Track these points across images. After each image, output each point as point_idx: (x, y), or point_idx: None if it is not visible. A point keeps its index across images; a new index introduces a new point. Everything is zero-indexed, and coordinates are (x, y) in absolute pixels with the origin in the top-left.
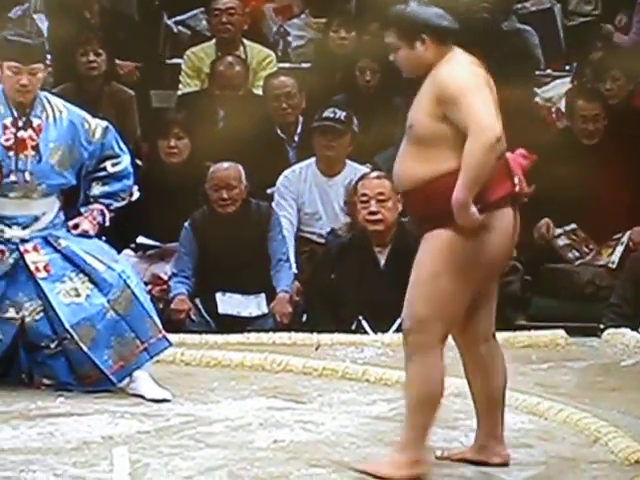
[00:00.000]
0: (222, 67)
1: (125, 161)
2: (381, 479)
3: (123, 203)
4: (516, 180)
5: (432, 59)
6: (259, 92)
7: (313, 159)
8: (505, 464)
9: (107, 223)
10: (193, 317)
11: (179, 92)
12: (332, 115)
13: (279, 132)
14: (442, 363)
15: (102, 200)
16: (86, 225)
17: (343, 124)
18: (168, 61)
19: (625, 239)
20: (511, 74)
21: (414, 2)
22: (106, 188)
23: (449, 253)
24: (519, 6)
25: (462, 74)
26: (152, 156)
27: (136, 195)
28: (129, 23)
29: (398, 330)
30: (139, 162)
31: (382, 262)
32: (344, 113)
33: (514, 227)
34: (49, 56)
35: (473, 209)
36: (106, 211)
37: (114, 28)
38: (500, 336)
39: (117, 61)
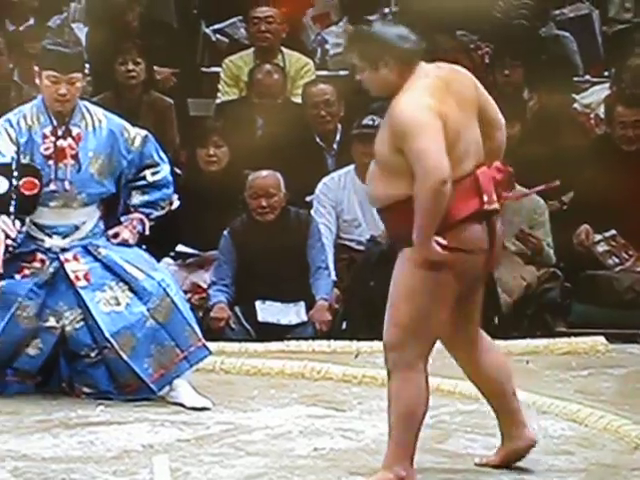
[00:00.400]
0: (260, 75)
1: (165, 170)
2: None
3: (163, 212)
4: (485, 197)
5: (397, 81)
6: (298, 100)
7: (352, 166)
8: (532, 445)
9: (147, 232)
10: (233, 325)
11: (217, 100)
12: (371, 123)
13: (318, 140)
14: (424, 379)
15: (142, 209)
16: (126, 234)
17: None
18: (206, 69)
19: None
20: (549, 81)
21: (379, 22)
22: (146, 197)
23: (421, 272)
24: (557, 12)
25: (410, 110)
26: (191, 164)
27: (176, 204)
28: (168, 31)
29: None
30: (178, 171)
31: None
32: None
33: (488, 241)
34: (88, 65)
35: (433, 246)
36: (146, 220)
37: (153, 36)
38: (540, 343)
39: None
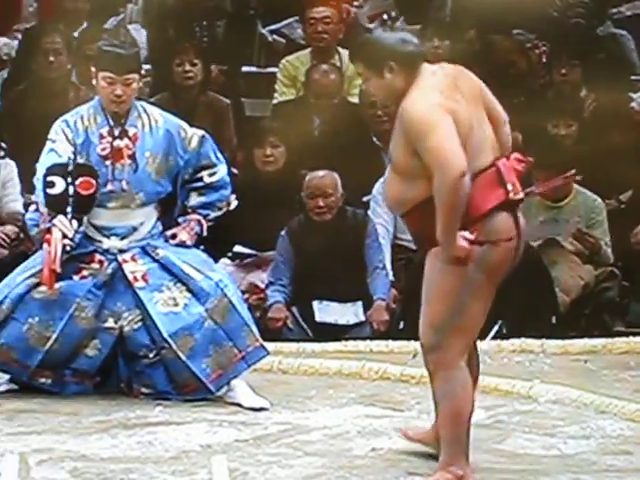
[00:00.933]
0: (317, 75)
1: (222, 171)
2: None
3: (220, 213)
4: (509, 187)
5: (403, 85)
6: (355, 100)
7: None
8: None
9: (204, 233)
10: (290, 325)
11: (274, 101)
12: None
13: (375, 140)
14: (466, 376)
15: (199, 210)
16: (184, 235)
17: None
18: (262, 69)
19: None
20: (607, 79)
21: (380, 28)
22: (203, 199)
23: (450, 269)
24: (614, 11)
25: (419, 109)
26: (248, 165)
27: (234, 205)
28: (224, 31)
29: (495, 337)
30: (235, 171)
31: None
32: None
33: (515, 230)
34: (148, 66)
35: (460, 242)
36: (203, 221)
37: (209, 37)
38: (598, 342)
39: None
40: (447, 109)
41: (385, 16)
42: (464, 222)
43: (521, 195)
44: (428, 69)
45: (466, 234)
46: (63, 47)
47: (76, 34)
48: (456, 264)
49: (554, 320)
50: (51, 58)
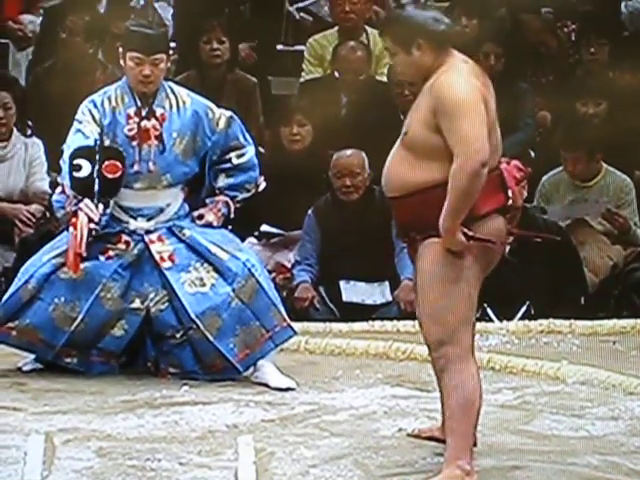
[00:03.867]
0: (344, 51)
1: (250, 152)
2: None
3: (248, 195)
4: (510, 193)
5: (430, 64)
6: (383, 79)
7: None
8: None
9: (232, 215)
10: (317, 305)
11: (301, 80)
12: None
13: (402, 118)
14: (476, 369)
15: (227, 192)
16: (210, 217)
17: None
18: (290, 47)
19: None
20: (635, 58)
21: (410, 5)
22: (231, 180)
23: (459, 261)
24: None
25: (459, 88)
26: (275, 143)
27: (262, 186)
28: (251, 9)
29: (523, 317)
30: (262, 150)
31: (507, 249)
32: None
33: (504, 232)
34: (174, 44)
35: (459, 235)
36: (231, 203)
37: (236, 15)
38: (627, 323)
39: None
40: (483, 97)
41: None
42: (464, 219)
43: (517, 204)
44: (459, 55)
45: (466, 230)
46: (88, 25)
47: (102, 11)
48: (457, 256)
49: (583, 301)
50: (76, 37)
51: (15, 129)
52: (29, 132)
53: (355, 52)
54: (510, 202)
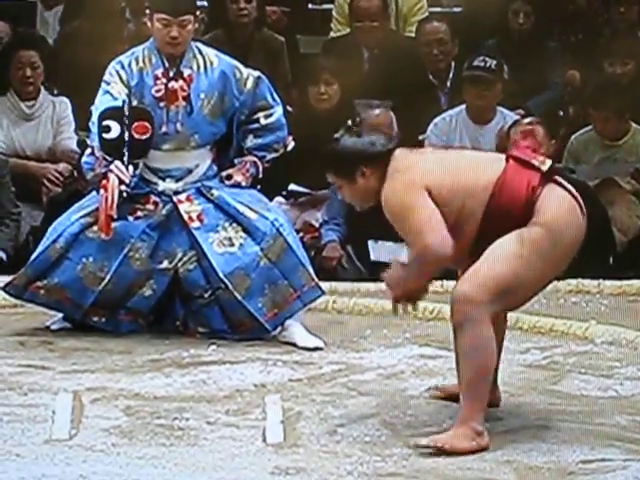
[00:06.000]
0: (360, 2)
1: (278, 112)
2: (449, 452)
3: (277, 154)
4: (536, 163)
5: (377, 186)
6: (411, 35)
7: (463, 106)
8: (496, 404)
9: (260, 175)
10: (345, 264)
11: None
12: (482, 64)
13: (431, 78)
14: (492, 333)
15: (256, 152)
16: (239, 177)
17: (494, 73)
18: (318, 6)
19: None
20: None
21: (345, 136)
22: (259, 140)
23: (537, 243)
24: None
25: (395, 197)
26: (302, 102)
27: (291, 146)
28: None
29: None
30: (290, 109)
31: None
32: (494, 62)
33: (577, 203)
34: (202, 2)
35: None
36: (259, 163)
37: None
38: None
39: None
40: (425, 184)
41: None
42: None
43: (549, 157)
44: (396, 157)
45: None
46: None
47: None
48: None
49: (611, 260)
50: None
51: (42, 88)
52: (56, 91)
53: (371, 1)
54: (544, 168)
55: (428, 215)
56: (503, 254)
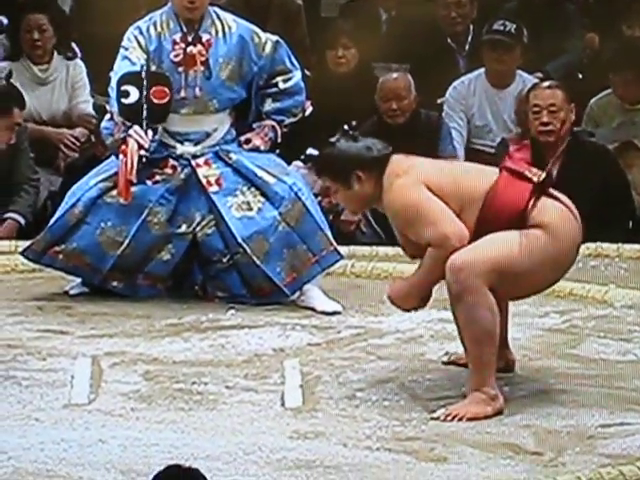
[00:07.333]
0: None
1: (296, 76)
2: (467, 419)
3: (295, 119)
4: (529, 174)
5: (372, 192)
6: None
7: (482, 70)
8: (510, 369)
9: (279, 139)
10: (363, 228)
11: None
12: (502, 28)
13: (449, 41)
14: (493, 300)
15: (274, 116)
16: (257, 141)
17: (513, 37)
18: None
19: None
20: None
21: (341, 140)
22: (278, 105)
23: (537, 236)
24: None
25: (399, 200)
26: (320, 66)
27: (309, 110)
28: None
29: None
30: (308, 73)
31: (554, 174)
32: (514, 25)
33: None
34: None
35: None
36: (278, 127)
37: None
38: None
39: None
40: (426, 182)
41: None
42: None
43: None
44: (392, 163)
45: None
46: None
47: None
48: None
49: (630, 224)
50: None
51: (56, 52)
52: (70, 54)
53: None
54: (536, 179)
55: (438, 207)
56: (503, 237)
